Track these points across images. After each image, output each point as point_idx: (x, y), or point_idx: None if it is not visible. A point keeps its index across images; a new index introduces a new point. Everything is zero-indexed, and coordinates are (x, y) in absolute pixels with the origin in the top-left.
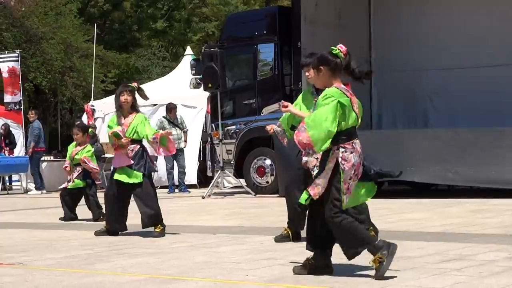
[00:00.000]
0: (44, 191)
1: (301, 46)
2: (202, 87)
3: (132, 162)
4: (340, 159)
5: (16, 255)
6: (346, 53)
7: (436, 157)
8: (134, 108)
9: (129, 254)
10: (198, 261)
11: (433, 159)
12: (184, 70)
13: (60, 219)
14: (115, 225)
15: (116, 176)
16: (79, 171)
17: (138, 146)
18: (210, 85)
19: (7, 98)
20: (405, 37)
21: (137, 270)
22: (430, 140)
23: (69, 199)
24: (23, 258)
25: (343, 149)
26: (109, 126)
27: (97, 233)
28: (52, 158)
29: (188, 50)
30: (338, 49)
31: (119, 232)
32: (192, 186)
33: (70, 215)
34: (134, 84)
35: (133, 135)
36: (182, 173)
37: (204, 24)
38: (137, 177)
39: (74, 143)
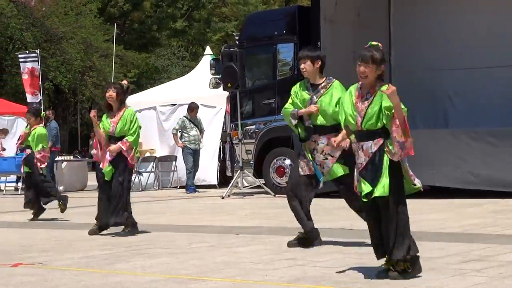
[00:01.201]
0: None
1: (321, 45)
2: (221, 87)
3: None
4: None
5: (35, 255)
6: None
7: (457, 159)
8: (122, 103)
9: (148, 254)
10: (217, 261)
11: (453, 161)
12: (203, 69)
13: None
14: (105, 219)
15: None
16: (28, 153)
17: None
18: (229, 85)
19: (29, 98)
20: (425, 36)
21: (157, 270)
22: (450, 141)
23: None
24: (42, 258)
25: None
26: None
27: (91, 233)
28: (72, 158)
29: (208, 50)
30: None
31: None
32: (212, 187)
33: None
34: (124, 82)
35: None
36: (195, 172)
37: (224, 24)
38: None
39: (27, 128)
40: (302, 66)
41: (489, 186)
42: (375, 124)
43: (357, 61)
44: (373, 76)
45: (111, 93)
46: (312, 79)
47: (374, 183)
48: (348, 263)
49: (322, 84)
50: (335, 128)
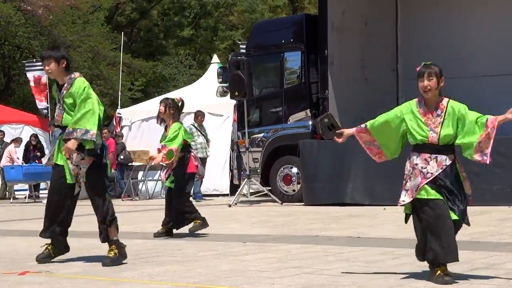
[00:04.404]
0: None
1: (328, 53)
2: (228, 95)
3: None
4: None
5: (43, 263)
6: None
7: (470, 174)
8: (173, 117)
9: (156, 262)
10: (224, 269)
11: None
12: (210, 78)
13: None
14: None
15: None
16: None
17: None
18: (236, 93)
19: (39, 104)
20: (433, 44)
21: (164, 278)
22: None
23: None
24: (50, 266)
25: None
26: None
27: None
28: None
29: (215, 58)
30: None
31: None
32: (224, 196)
33: None
34: (177, 98)
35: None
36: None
37: (231, 32)
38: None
39: None
40: (46, 68)
41: (502, 202)
42: (450, 141)
43: (418, 78)
44: (435, 89)
45: (160, 108)
46: (59, 79)
47: (450, 196)
48: (355, 271)
49: (65, 85)
50: None
